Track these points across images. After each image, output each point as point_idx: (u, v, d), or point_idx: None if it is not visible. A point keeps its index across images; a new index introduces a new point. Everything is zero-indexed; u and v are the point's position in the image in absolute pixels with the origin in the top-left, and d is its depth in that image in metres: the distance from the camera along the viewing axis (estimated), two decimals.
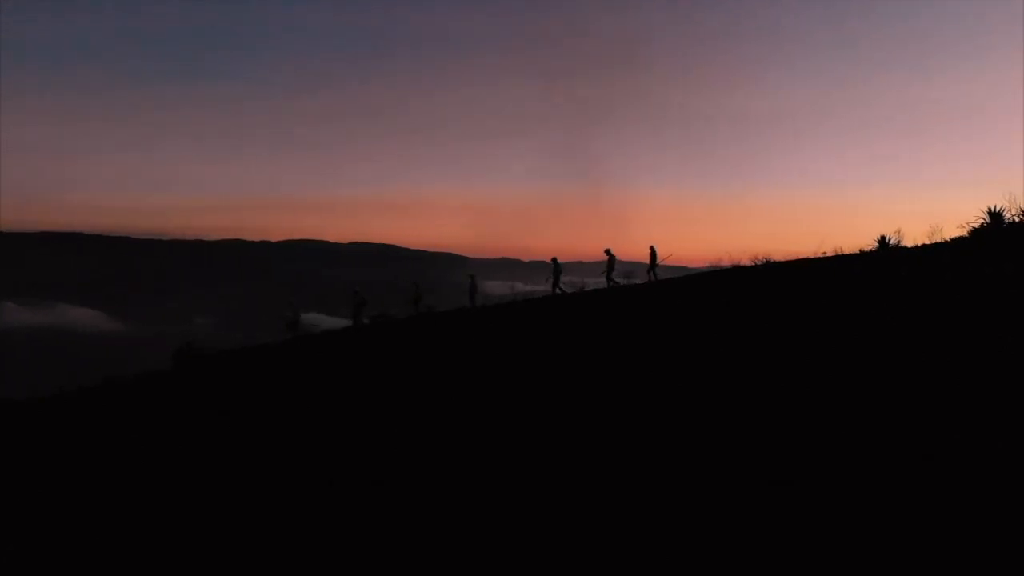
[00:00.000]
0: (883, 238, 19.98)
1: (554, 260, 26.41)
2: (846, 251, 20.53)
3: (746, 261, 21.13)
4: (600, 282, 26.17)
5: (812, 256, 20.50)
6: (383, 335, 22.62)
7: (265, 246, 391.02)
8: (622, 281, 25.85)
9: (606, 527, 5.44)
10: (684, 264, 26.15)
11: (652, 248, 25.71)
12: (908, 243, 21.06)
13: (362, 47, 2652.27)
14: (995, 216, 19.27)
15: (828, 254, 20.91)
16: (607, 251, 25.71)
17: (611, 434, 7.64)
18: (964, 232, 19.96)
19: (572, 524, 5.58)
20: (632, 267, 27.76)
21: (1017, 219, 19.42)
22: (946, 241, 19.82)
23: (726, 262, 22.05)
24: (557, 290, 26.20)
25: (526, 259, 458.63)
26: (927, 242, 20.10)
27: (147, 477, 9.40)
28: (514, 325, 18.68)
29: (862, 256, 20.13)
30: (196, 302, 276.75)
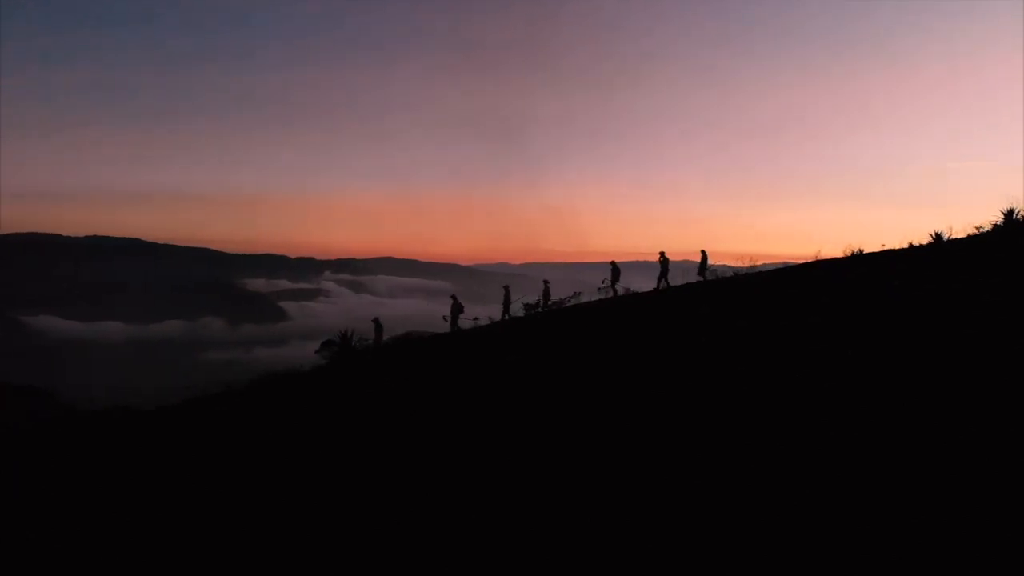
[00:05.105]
0: (938, 234, 24.18)
1: (613, 264, 27.82)
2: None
3: (841, 254, 24.09)
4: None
5: (901, 247, 23.99)
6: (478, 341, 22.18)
7: None
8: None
9: (607, 539, 5.55)
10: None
11: (703, 252, 27.98)
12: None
13: (113, 21, 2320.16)
14: (1009, 216, 24.32)
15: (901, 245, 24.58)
16: (661, 254, 27.48)
17: (615, 439, 7.95)
18: (977, 230, 24.95)
19: (572, 523, 5.81)
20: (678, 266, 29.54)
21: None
22: (970, 236, 24.54)
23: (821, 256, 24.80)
24: (612, 291, 27.59)
25: (293, 256, 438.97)
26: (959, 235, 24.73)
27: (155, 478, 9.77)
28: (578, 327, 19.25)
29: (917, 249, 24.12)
30: None
